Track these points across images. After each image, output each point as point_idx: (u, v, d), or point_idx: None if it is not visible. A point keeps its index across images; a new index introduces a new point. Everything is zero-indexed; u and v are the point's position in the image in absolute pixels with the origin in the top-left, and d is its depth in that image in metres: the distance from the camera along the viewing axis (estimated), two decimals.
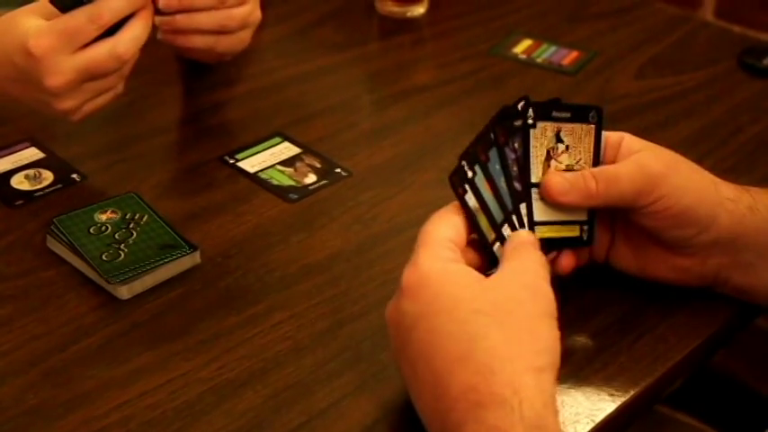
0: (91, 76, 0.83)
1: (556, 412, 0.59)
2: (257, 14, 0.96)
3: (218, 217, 0.85)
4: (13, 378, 0.69)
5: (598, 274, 0.76)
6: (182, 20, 0.90)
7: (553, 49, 1.14)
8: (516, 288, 0.62)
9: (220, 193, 0.88)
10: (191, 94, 1.04)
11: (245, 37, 0.96)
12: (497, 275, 0.64)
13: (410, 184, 0.90)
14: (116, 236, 0.79)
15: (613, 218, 0.75)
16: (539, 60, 1.12)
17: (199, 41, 0.93)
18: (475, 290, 0.61)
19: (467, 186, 0.67)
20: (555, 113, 0.72)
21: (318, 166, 0.92)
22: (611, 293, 0.76)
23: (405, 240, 0.66)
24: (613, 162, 0.72)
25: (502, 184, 0.69)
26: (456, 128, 0.99)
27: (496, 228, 0.68)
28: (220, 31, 0.93)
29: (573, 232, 0.73)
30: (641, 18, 1.23)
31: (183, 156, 0.94)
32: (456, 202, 0.66)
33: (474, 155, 0.67)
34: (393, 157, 0.94)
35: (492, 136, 0.69)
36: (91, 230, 0.80)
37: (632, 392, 0.69)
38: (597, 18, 1.23)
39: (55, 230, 0.80)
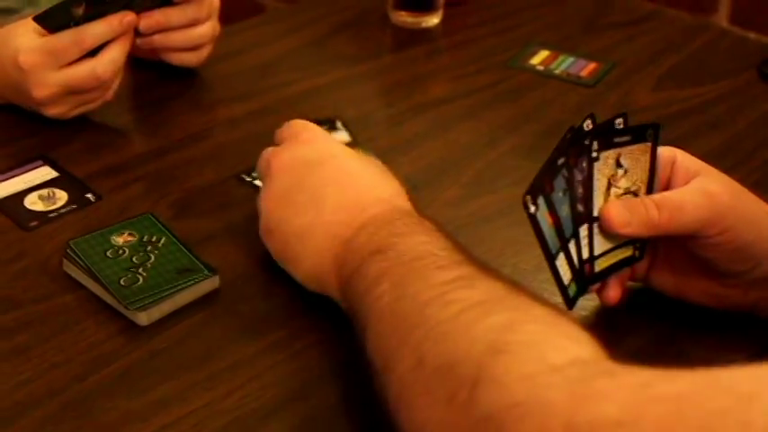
0: (73, 90, 0.93)
1: None
2: (218, 27, 1.04)
3: (237, 238, 0.83)
4: (33, 410, 0.67)
5: (629, 294, 0.74)
6: (158, 39, 1.00)
7: (571, 60, 1.12)
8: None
9: (238, 212, 0.86)
10: (204, 109, 1.03)
11: (209, 50, 1.05)
12: None
13: (431, 202, 0.88)
14: (134, 259, 0.77)
15: (656, 240, 0.71)
16: (557, 72, 1.10)
17: (175, 59, 1.03)
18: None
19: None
20: (616, 139, 0.69)
21: None
22: (643, 316, 0.75)
23: None
24: (667, 180, 0.70)
25: (563, 212, 0.67)
26: (476, 142, 0.97)
27: (551, 259, 0.67)
28: (192, 48, 1.03)
29: (627, 253, 0.71)
30: (658, 27, 1.21)
31: (198, 174, 0.92)
32: None
33: (539, 187, 0.65)
34: (413, 173, 0.92)
35: (559, 162, 0.66)
36: (108, 254, 0.78)
37: None
38: (614, 28, 1.21)
39: (71, 254, 0.78)
